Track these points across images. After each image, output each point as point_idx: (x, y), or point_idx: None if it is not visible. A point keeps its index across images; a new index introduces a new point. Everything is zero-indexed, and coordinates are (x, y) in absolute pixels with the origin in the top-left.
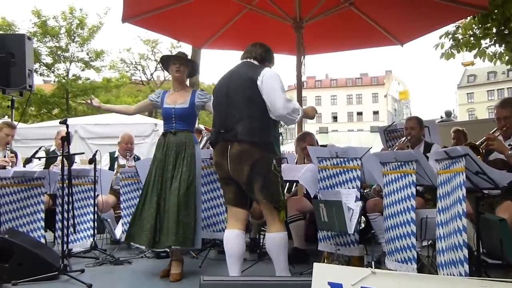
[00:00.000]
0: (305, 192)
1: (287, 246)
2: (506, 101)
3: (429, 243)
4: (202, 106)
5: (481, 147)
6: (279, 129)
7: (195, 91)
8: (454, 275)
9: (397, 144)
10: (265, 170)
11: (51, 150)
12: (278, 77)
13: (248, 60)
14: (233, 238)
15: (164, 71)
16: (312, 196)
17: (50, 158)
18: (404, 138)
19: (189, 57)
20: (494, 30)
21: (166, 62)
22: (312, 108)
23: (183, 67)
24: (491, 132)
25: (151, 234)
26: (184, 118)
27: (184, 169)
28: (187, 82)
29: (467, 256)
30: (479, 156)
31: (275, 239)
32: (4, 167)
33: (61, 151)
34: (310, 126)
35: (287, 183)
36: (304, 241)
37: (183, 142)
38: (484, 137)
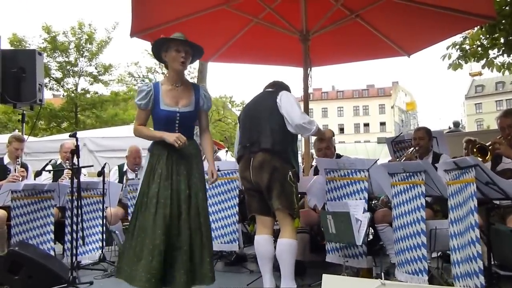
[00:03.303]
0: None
1: (296, 254)
2: (509, 111)
3: (438, 254)
4: (206, 111)
5: (489, 148)
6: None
7: (198, 88)
8: (470, 287)
9: (405, 154)
10: (282, 178)
11: (57, 163)
12: (294, 96)
13: (269, 89)
14: (262, 242)
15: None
16: (320, 208)
17: (58, 171)
18: (412, 148)
19: (196, 69)
20: (502, 40)
21: (161, 47)
22: (330, 130)
23: (188, 56)
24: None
25: (158, 274)
26: (189, 124)
27: (199, 201)
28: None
29: (482, 268)
30: (486, 158)
31: (285, 245)
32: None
33: (66, 164)
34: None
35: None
36: (305, 253)
37: (192, 155)
38: (491, 141)
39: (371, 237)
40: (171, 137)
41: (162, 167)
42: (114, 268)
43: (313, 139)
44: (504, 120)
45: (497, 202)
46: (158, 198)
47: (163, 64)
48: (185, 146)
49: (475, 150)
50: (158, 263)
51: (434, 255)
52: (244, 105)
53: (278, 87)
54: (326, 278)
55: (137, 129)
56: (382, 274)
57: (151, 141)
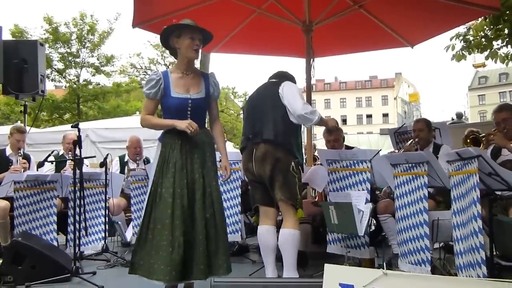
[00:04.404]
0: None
1: (298, 244)
2: (502, 105)
3: (440, 245)
4: (215, 99)
5: (482, 139)
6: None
7: (207, 76)
8: (472, 277)
9: (403, 146)
10: (284, 169)
11: (59, 154)
12: (296, 86)
13: (273, 79)
14: (265, 233)
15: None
16: (315, 196)
17: (60, 162)
18: (412, 140)
19: (199, 61)
20: (506, 31)
21: (173, 33)
22: (333, 119)
23: (201, 43)
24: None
25: (178, 266)
26: (201, 111)
27: (213, 190)
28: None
29: (484, 258)
30: (480, 148)
31: (288, 235)
32: None
33: (69, 155)
34: (319, 130)
35: None
36: (307, 244)
37: (205, 142)
38: (485, 133)
39: (373, 227)
40: (183, 124)
41: (177, 156)
42: (129, 265)
43: (315, 130)
44: (499, 115)
45: (499, 193)
46: (174, 188)
47: (164, 56)
48: (197, 133)
49: (468, 141)
50: (178, 255)
51: (436, 245)
52: (247, 96)
53: (282, 77)
54: (328, 268)
55: (144, 119)
56: (384, 264)
57: (161, 132)
